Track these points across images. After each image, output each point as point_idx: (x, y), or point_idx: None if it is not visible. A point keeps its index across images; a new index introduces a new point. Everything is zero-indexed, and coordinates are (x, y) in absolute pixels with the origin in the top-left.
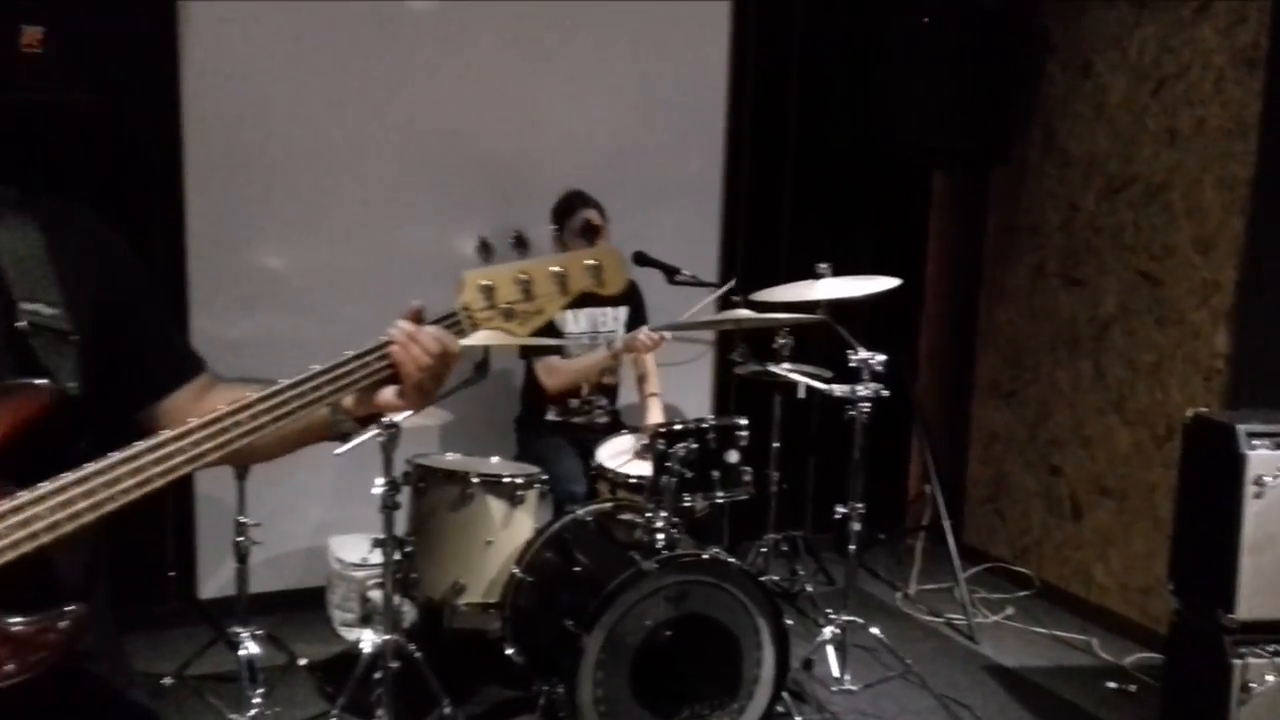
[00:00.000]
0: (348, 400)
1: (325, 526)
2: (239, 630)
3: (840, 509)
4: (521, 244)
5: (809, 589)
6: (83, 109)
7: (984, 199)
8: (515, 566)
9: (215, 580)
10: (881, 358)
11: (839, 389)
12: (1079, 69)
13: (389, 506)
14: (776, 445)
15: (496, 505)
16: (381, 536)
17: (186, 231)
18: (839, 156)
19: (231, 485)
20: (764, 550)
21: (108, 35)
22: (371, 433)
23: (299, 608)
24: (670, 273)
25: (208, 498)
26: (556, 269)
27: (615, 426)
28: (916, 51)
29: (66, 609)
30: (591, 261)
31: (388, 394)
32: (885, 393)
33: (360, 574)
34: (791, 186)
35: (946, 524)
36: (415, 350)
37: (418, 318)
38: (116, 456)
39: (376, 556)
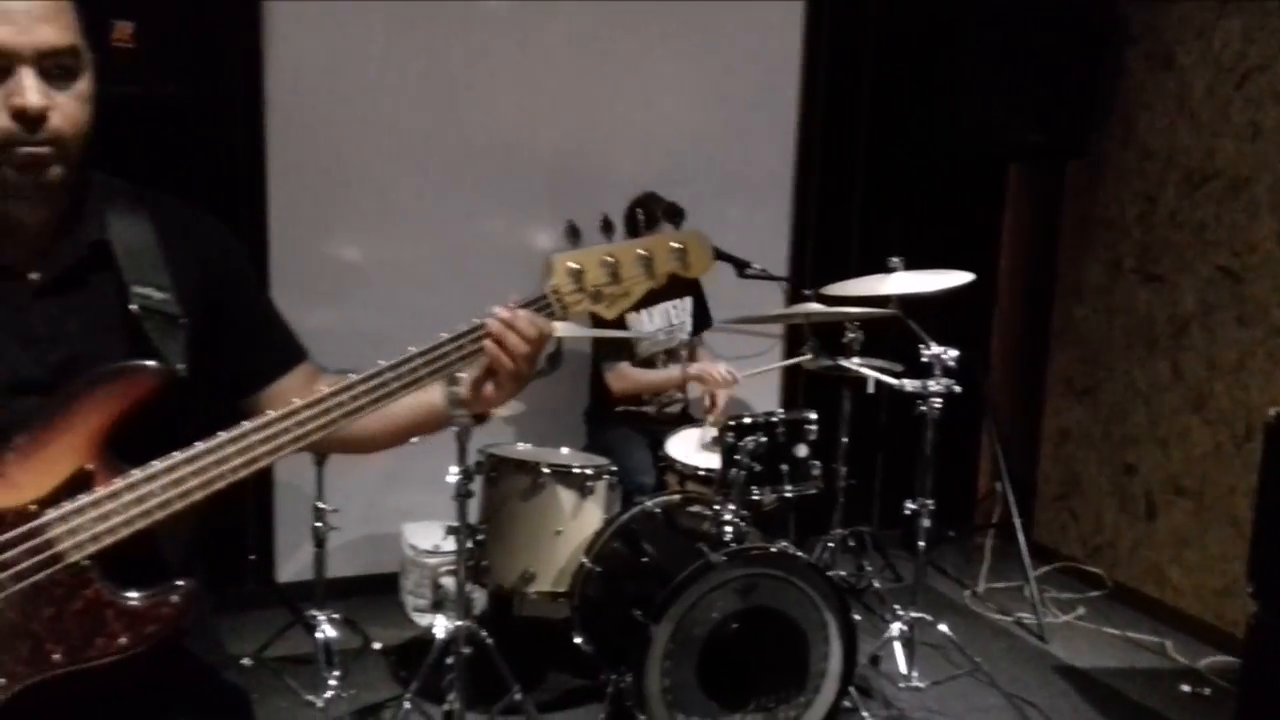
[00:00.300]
0: (463, 393)
1: (398, 513)
2: (316, 614)
3: (909, 505)
4: (608, 227)
5: (876, 585)
6: (171, 102)
7: (1060, 193)
8: (584, 556)
9: (293, 564)
10: (954, 353)
11: (910, 384)
12: (1160, 61)
13: (462, 495)
14: (845, 440)
15: (566, 495)
16: (454, 524)
17: (268, 222)
18: (912, 150)
19: (310, 472)
20: (831, 545)
21: (195, 29)
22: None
23: (373, 592)
24: (741, 267)
25: (286, 484)
26: (643, 252)
27: (685, 418)
28: (992, 43)
29: (177, 584)
30: (677, 245)
31: (489, 387)
32: (957, 388)
33: (432, 560)
34: (863, 180)
35: (1017, 521)
36: (511, 336)
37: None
38: (224, 436)
39: (448, 543)
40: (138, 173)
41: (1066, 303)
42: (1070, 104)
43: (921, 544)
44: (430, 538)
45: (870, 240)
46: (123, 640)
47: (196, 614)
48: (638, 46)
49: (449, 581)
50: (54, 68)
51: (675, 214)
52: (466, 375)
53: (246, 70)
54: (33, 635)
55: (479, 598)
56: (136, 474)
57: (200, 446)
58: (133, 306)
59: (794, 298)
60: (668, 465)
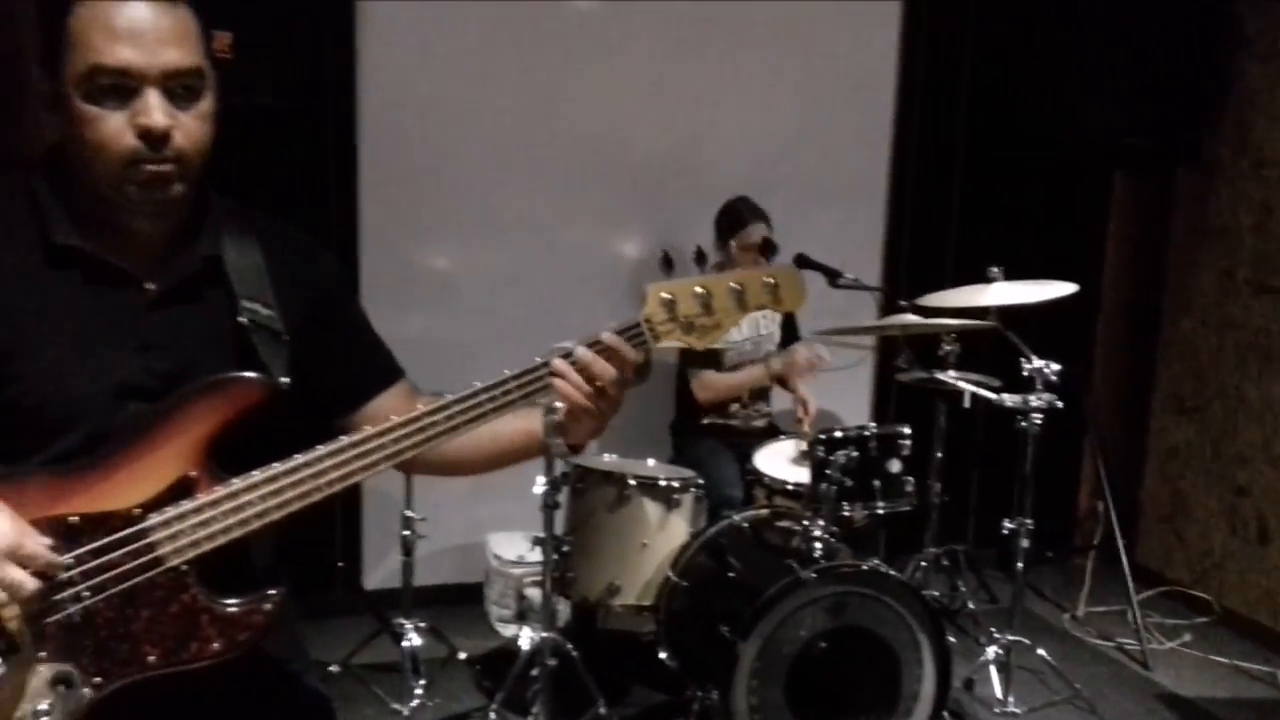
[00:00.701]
0: (561, 420)
1: (483, 523)
2: (403, 622)
3: (1007, 524)
4: (701, 258)
5: (971, 606)
6: (266, 112)
7: (1169, 201)
8: (670, 570)
9: (380, 572)
10: (1056, 367)
11: (1009, 399)
12: (1277, 63)
13: (549, 506)
14: (939, 455)
15: (652, 508)
16: (540, 535)
17: (360, 231)
18: (1012, 155)
19: (398, 480)
20: (924, 564)
21: (291, 40)
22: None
23: (458, 601)
24: (832, 276)
25: (375, 492)
26: (735, 285)
27: (772, 431)
28: (1098, 46)
29: (269, 592)
30: (769, 279)
31: (575, 425)
32: (1059, 404)
33: (517, 571)
34: (960, 186)
35: (1120, 543)
36: (573, 377)
37: (569, 353)
38: (322, 450)
39: (532, 554)
40: (234, 182)
41: (1175, 315)
42: (1180, 108)
43: (1019, 565)
44: (515, 548)
45: (968, 248)
46: (216, 645)
47: (284, 621)
48: (730, 49)
49: (533, 592)
50: (178, 88)
51: (762, 217)
52: (563, 404)
53: (340, 79)
54: (131, 636)
55: (563, 609)
56: (237, 483)
57: (298, 459)
58: (241, 319)
59: (887, 308)
60: (756, 479)
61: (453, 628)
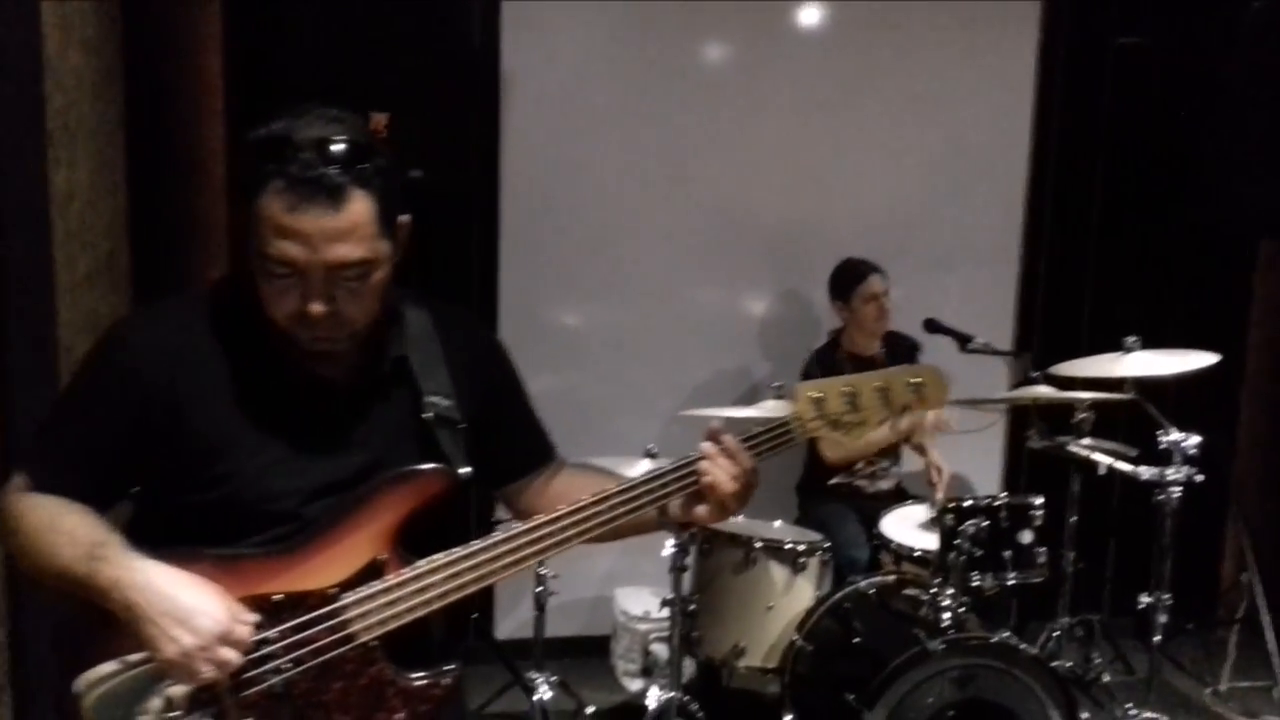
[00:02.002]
0: (674, 507)
1: (612, 577)
2: (534, 676)
3: (1144, 598)
4: (961, 340)
5: (1106, 678)
6: (417, 185)
7: None
8: (796, 633)
9: (510, 622)
10: (1196, 440)
11: (1146, 472)
12: None
13: (678, 568)
14: (1073, 520)
15: (779, 571)
16: (669, 596)
17: (499, 294)
18: (1150, 220)
19: None
20: (1057, 633)
21: (441, 118)
22: None
23: (585, 654)
24: (963, 341)
25: None
26: (880, 384)
27: (900, 494)
28: (1242, 109)
29: (447, 667)
30: (914, 379)
31: (699, 510)
32: (1199, 478)
33: (643, 627)
34: (1096, 250)
35: (1265, 617)
36: (720, 467)
37: (715, 437)
38: (498, 536)
39: (660, 610)
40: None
41: None
42: None
43: (1156, 639)
44: (641, 603)
45: (1104, 315)
46: (400, 715)
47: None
48: (862, 114)
49: (659, 648)
50: (345, 275)
51: (877, 270)
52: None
53: (484, 152)
54: (324, 706)
55: (688, 667)
56: (421, 565)
57: (477, 544)
58: (427, 415)
59: (1019, 373)
60: (882, 544)
61: (580, 680)
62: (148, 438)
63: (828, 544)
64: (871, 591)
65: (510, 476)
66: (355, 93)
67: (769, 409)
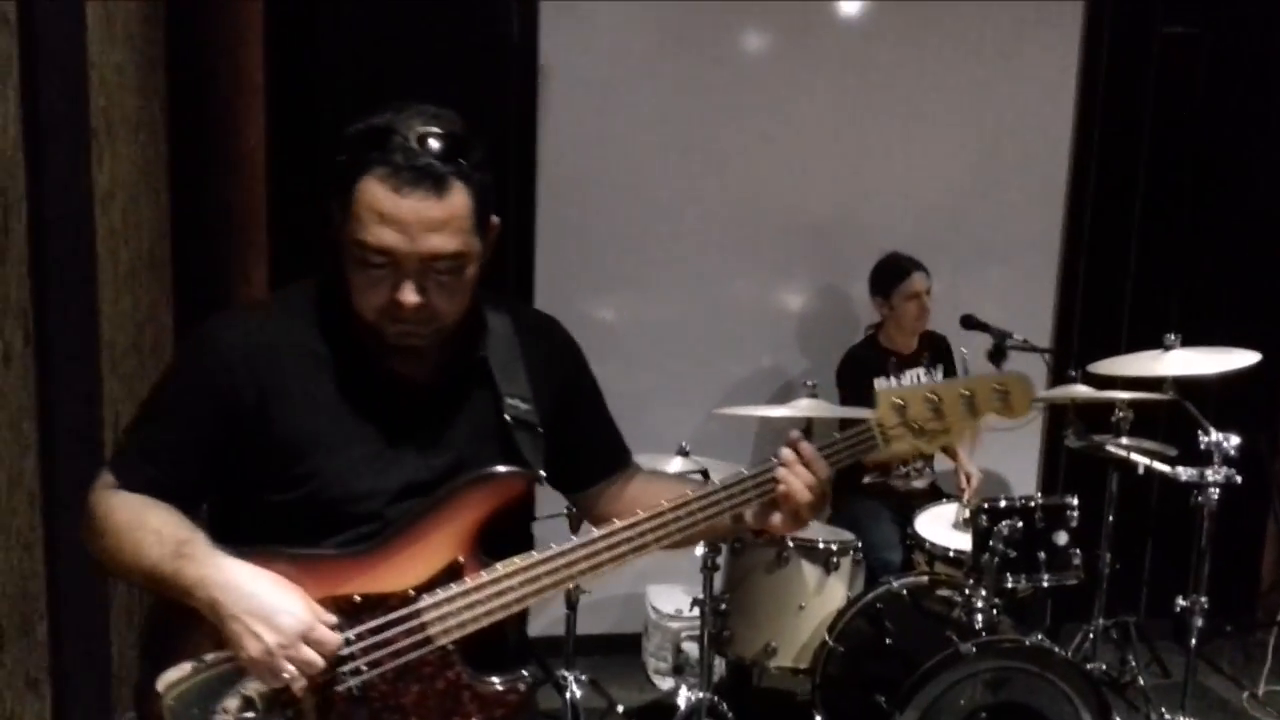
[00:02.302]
0: (749, 515)
1: (643, 574)
2: (565, 674)
3: (1181, 601)
4: (998, 336)
5: (1141, 681)
6: None
7: None
8: (827, 634)
9: (542, 619)
10: (1236, 440)
11: (1185, 473)
12: None
13: (709, 568)
14: (1110, 520)
15: (810, 571)
16: (699, 596)
17: (534, 283)
18: (1193, 215)
19: (562, 527)
20: (1092, 635)
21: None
22: None
23: (616, 651)
24: (1001, 338)
25: (541, 541)
26: (965, 391)
27: (935, 493)
28: None
29: (524, 673)
30: (999, 386)
31: (774, 518)
32: (1238, 479)
33: (675, 625)
34: (1138, 246)
35: None
36: (797, 474)
37: (794, 445)
38: (575, 541)
39: (691, 609)
40: None
41: None
42: None
43: (1193, 642)
44: (673, 601)
45: (1144, 311)
46: None
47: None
48: (900, 106)
49: (690, 646)
50: (439, 266)
51: (920, 267)
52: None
53: (521, 145)
54: (401, 709)
55: (719, 666)
56: (499, 568)
57: (554, 549)
58: (507, 417)
59: (1057, 370)
60: (916, 544)
61: (611, 678)
62: (234, 436)
63: (860, 543)
64: (904, 592)
65: (586, 482)
66: (394, 86)
67: (803, 408)
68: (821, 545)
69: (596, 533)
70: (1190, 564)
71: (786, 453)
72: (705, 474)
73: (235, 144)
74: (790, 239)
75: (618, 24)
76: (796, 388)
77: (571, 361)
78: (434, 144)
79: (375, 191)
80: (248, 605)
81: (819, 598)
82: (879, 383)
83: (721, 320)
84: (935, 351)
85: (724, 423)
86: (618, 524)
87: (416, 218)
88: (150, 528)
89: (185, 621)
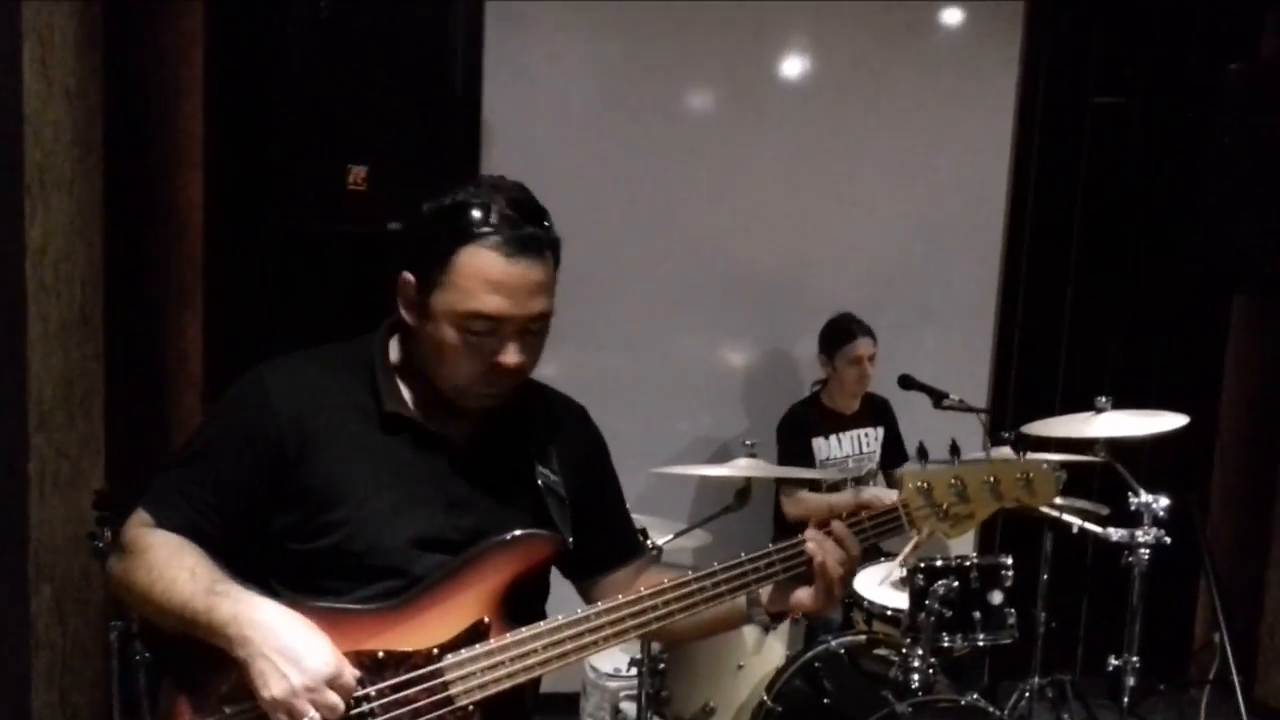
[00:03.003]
0: (764, 598)
1: None
2: None
3: (1113, 660)
4: (955, 451)
5: None
6: (395, 237)
7: None
8: (765, 693)
9: None
10: (1165, 501)
11: (1115, 533)
12: None
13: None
14: (1045, 579)
15: (750, 630)
16: (637, 656)
17: None
18: (1126, 278)
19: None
20: (1028, 694)
21: (421, 166)
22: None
23: (553, 711)
24: (937, 397)
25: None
26: (990, 479)
27: (875, 551)
28: (1215, 166)
29: None
30: (1023, 475)
31: (801, 594)
32: (1167, 540)
33: (613, 684)
34: (1072, 308)
35: (1235, 679)
36: (828, 550)
37: (825, 524)
38: (601, 606)
39: (629, 668)
40: (372, 305)
41: None
42: None
43: (1125, 701)
44: (611, 660)
45: (1078, 373)
46: None
47: None
48: (842, 169)
49: (628, 706)
50: (533, 326)
51: (868, 333)
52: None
53: None
54: None
55: None
56: (524, 631)
57: (580, 613)
58: (540, 482)
59: (994, 430)
60: (855, 602)
61: None
62: (271, 481)
63: None
64: (842, 651)
65: (602, 568)
66: (336, 145)
67: (741, 467)
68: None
69: (622, 598)
70: (1123, 628)
71: (814, 531)
72: (644, 533)
73: (173, 198)
74: (733, 299)
75: (563, 81)
76: (738, 446)
77: (599, 451)
78: (532, 209)
79: (484, 259)
80: (277, 644)
81: (758, 657)
82: (816, 443)
83: (664, 379)
84: (877, 413)
85: (664, 481)
86: (642, 590)
87: (525, 283)
88: (185, 565)
89: (215, 667)
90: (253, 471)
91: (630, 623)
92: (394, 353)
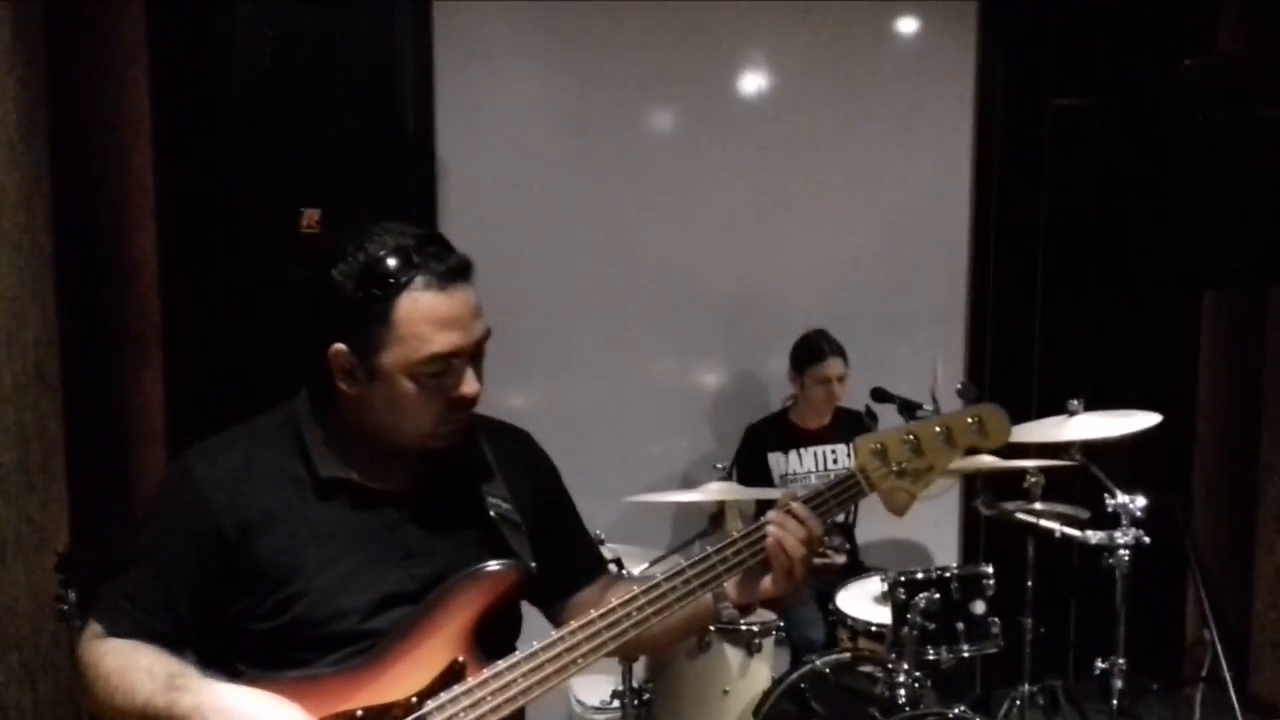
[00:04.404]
0: (731, 591)
1: None
2: None
3: (1100, 663)
4: (907, 408)
5: None
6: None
7: (1262, 318)
8: (753, 718)
9: None
10: (1142, 502)
11: (1095, 536)
12: None
13: (629, 658)
14: (1030, 585)
15: (733, 654)
16: (620, 688)
17: None
18: (1094, 279)
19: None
20: (1019, 702)
21: (375, 205)
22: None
23: None
24: (910, 409)
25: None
26: (939, 428)
27: (855, 568)
28: (1181, 168)
29: None
30: (973, 419)
31: (765, 583)
32: (1146, 540)
33: (600, 717)
34: (1042, 312)
35: (1227, 675)
36: (789, 530)
37: (784, 506)
38: (574, 624)
39: (616, 701)
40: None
41: (1275, 433)
42: (1271, 226)
43: (1115, 704)
44: (597, 693)
45: (1052, 377)
46: None
47: None
48: (804, 184)
49: None
50: (480, 350)
51: (839, 352)
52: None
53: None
54: None
55: None
56: (501, 664)
57: (554, 635)
58: (492, 514)
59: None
60: (839, 619)
61: None
62: (217, 572)
63: (782, 623)
64: (827, 670)
65: (568, 589)
66: (289, 188)
67: (713, 491)
68: (743, 627)
69: (594, 613)
70: (1110, 630)
71: (774, 513)
72: (619, 563)
73: (126, 252)
74: (701, 320)
75: (517, 113)
76: (710, 470)
77: (548, 473)
78: (434, 241)
79: (425, 302)
80: None
81: (743, 681)
82: (773, 458)
83: (635, 405)
84: (848, 428)
85: (640, 509)
86: (613, 603)
87: (466, 310)
88: (141, 667)
89: None
90: (196, 565)
91: (606, 635)
92: (321, 419)
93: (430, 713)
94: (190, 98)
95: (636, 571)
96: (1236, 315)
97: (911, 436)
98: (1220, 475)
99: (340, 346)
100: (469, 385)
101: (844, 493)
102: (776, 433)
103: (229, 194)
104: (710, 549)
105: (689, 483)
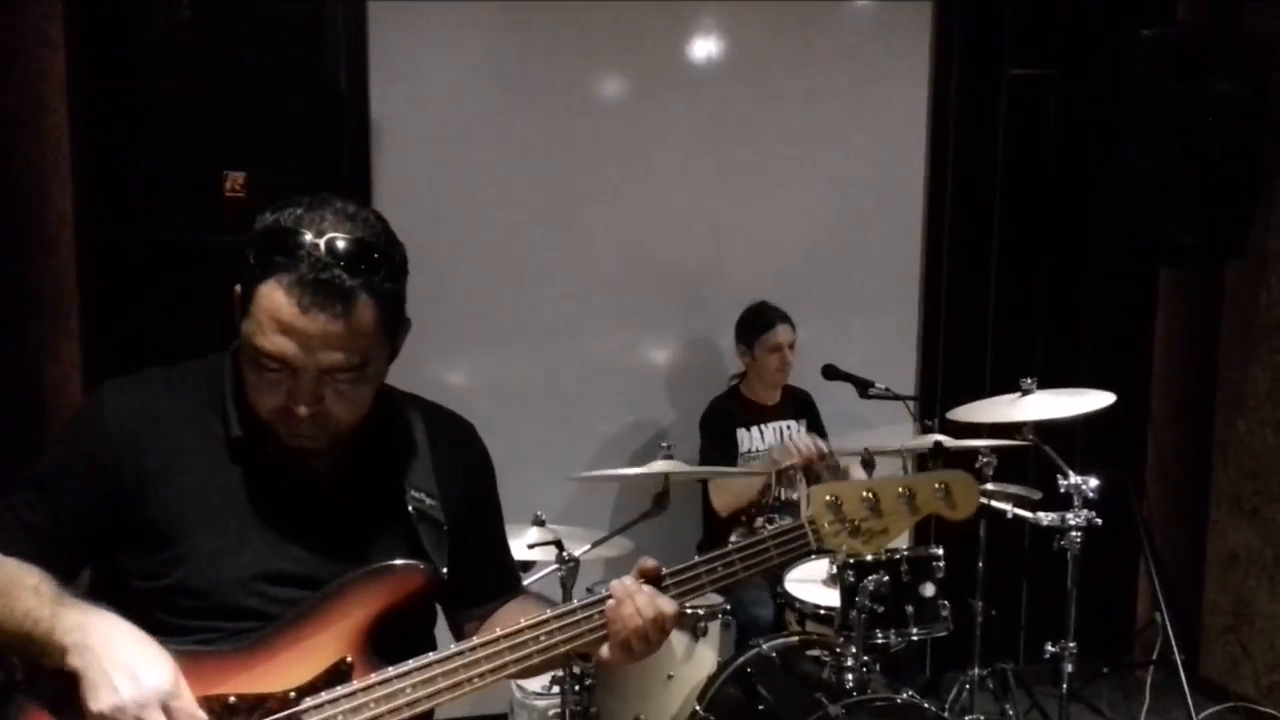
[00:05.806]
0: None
1: None
2: None
3: (1050, 647)
4: (868, 464)
5: None
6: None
7: (1218, 296)
8: (697, 703)
9: None
10: (1094, 482)
11: (1046, 517)
12: None
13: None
14: (981, 567)
15: (678, 638)
16: (560, 674)
17: None
18: (1050, 256)
19: None
20: (969, 686)
21: (306, 168)
22: (552, 567)
23: None
24: (863, 387)
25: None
26: (904, 490)
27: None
28: (1139, 142)
29: None
30: (940, 485)
31: (603, 649)
32: (1098, 521)
33: (542, 704)
34: (997, 289)
35: (1178, 657)
36: (628, 609)
37: (649, 575)
38: (475, 641)
39: (555, 687)
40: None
41: (1229, 415)
42: (1227, 202)
43: (1065, 687)
44: (539, 679)
45: (1006, 355)
46: None
47: None
48: (756, 155)
49: None
50: (337, 377)
51: (786, 319)
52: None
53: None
54: None
55: None
56: (390, 671)
57: (454, 648)
58: (410, 508)
59: (922, 417)
60: (787, 602)
61: None
62: (107, 511)
63: (729, 606)
64: (774, 655)
65: (479, 599)
66: (210, 151)
67: (658, 468)
68: (689, 611)
69: (499, 632)
70: (1061, 613)
71: (617, 585)
72: (559, 544)
73: (42, 216)
74: (648, 293)
75: (456, 75)
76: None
77: (483, 472)
78: (347, 251)
79: (277, 300)
80: (118, 657)
81: (688, 665)
82: (740, 434)
83: (579, 379)
84: (798, 405)
85: (585, 488)
86: (522, 622)
87: (319, 333)
88: (28, 585)
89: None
90: (88, 504)
91: (509, 656)
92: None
93: (306, 712)
94: (105, 54)
95: (578, 553)
96: (1192, 293)
97: (871, 495)
98: (1174, 456)
99: (238, 288)
100: (296, 404)
101: (789, 544)
102: (735, 410)
103: (148, 155)
104: (607, 591)
105: (639, 460)
